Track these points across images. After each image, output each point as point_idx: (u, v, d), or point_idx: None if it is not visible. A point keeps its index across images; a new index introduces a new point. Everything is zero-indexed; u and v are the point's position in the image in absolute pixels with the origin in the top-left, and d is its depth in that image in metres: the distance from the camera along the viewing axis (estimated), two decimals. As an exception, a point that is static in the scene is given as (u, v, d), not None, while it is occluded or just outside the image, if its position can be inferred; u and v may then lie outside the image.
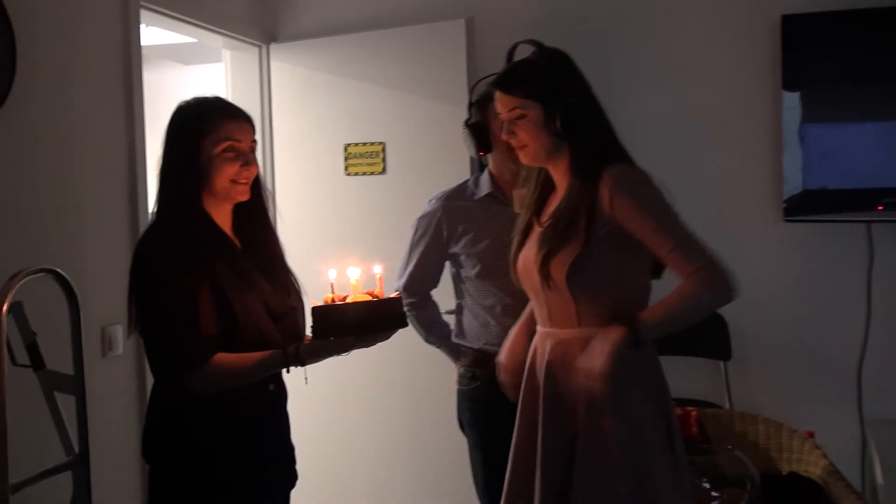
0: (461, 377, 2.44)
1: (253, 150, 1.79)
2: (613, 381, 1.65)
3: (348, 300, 1.65)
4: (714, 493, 2.03)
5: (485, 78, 2.20)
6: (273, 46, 3.52)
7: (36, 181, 2.31)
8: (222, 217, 1.80)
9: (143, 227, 2.61)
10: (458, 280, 2.47)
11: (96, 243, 2.51)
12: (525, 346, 1.94)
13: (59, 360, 2.01)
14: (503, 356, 2.02)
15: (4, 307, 1.75)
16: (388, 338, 1.69)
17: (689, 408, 2.28)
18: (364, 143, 3.37)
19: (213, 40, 3.42)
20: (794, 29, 2.81)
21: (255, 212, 1.85)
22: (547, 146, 1.80)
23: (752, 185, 3.02)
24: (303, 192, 3.47)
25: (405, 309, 2.40)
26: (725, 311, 1.79)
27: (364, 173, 3.37)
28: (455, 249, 2.39)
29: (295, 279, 1.90)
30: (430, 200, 2.47)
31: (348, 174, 3.40)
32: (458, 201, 2.42)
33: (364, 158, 3.37)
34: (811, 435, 2.22)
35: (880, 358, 2.88)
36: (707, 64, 3.07)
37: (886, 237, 2.84)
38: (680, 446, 1.80)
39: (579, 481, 1.73)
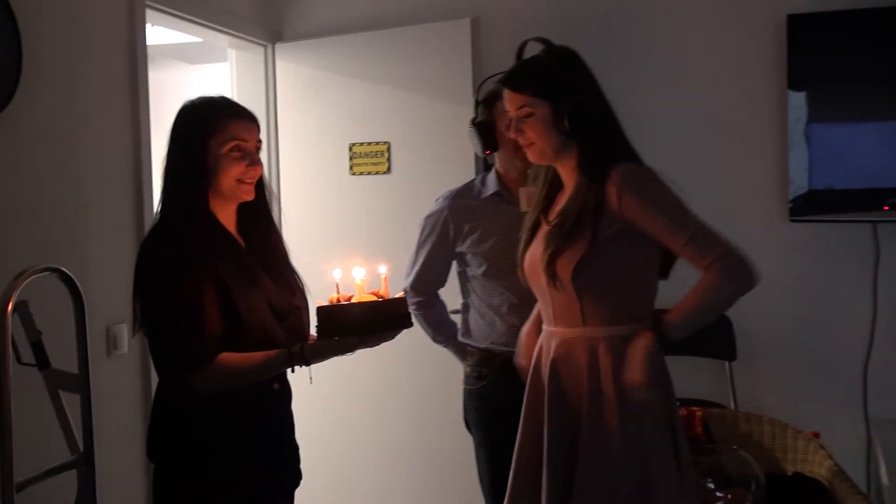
0: (467, 376, 2.43)
1: (258, 149, 1.80)
2: (650, 386, 1.70)
3: (353, 300, 1.65)
4: (719, 494, 2.02)
5: (492, 76, 2.19)
6: (278, 46, 3.53)
7: (41, 180, 2.31)
8: (227, 217, 1.80)
9: (148, 227, 2.60)
10: (464, 279, 2.46)
11: (101, 242, 2.51)
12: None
13: (64, 359, 2.01)
14: (522, 359, 2.00)
15: (10, 306, 1.75)
16: (392, 338, 1.69)
17: (694, 408, 2.27)
18: (369, 143, 3.36)
19: (219, 40, 3.42)
20: (799, 28, 2.80)
21: (260, 211, 1.86)
22: (555, 144, 1.79)
23: (757, 185, 3.01)
24: (308, 192, 3.47)
25: (412, 308, 2.41)
26: (731, 311, 1.78)
27: (369, 173, 3.37)
28: (462, 248, 2.38)
29: (299, 278, 1.90)
30: (437, 199, 2.47)
31: (353, 174, 3.39)
32: (465, 200, 2.41)
33: (369, 158, 3.37)
34: (816, 435, 2.21)
35: (886, 358, 2.87)
36: (712, 63, 3.06)
37: (892, 237, 2.83)
38: (684, 446, 1.80)
39: (580, 480, 1.73)
